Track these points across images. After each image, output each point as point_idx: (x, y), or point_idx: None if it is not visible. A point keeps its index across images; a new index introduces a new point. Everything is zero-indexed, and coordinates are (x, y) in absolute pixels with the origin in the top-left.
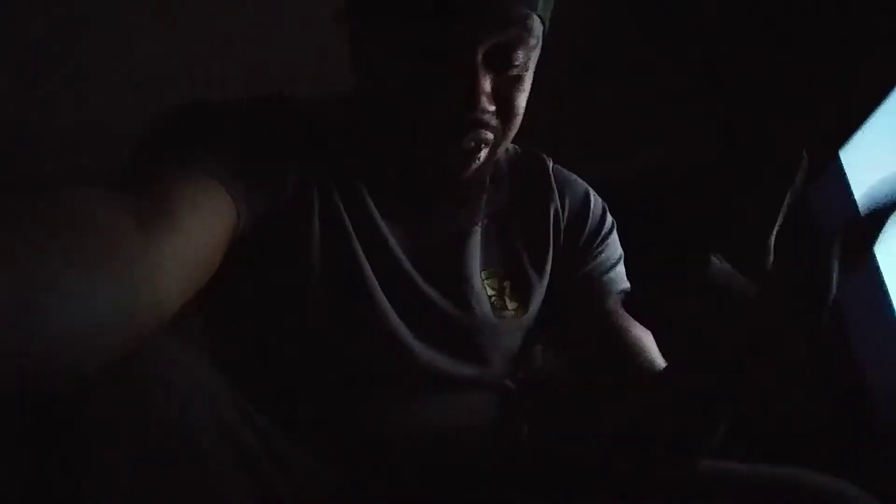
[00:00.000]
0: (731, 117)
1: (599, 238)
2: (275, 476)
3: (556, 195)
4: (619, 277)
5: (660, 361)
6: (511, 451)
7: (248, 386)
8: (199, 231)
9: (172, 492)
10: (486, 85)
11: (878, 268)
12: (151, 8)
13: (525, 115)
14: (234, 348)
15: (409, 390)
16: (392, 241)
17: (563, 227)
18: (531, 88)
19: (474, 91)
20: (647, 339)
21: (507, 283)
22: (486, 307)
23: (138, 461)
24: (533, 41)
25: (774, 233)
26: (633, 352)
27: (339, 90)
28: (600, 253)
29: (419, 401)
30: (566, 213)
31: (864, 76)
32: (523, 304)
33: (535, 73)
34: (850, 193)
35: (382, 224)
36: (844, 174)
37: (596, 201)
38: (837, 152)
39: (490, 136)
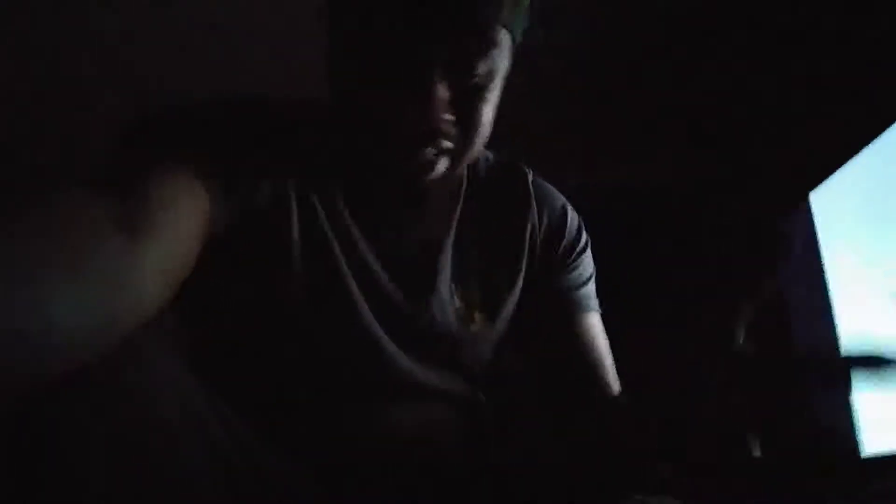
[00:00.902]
0: (709, 145)
1: (574, 253)
2: (247, 476)
3: (534, 209)
4: (590, 294)
5: (616, 382)
6: (479, 464)
7: (223, 387)
8: (177, 233)
9: (146, 490)
10: (443, 94)
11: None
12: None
13: (514, 122)
14: (210, 349)
15: (384, 398)
16: (365, 249)
17: (538, 241)
18: (534, 99)
19: (428, 101)
20: (607, 358)
21: (476, 295)
22: (453, 318)
23: (111, 459)
24: (496, 52)
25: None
26: (593, 370)
27: (318, 96)
28: (573, 269)
29: (393, 408)
30: (543, 226)
31: (846, 123)
32: (491, 316)
33: (529, 83)
34: (815, 235)
35: (356, 231)
36: (811, 215)
37: (573, 217)
38: (807, 193)
39: (448, 144)
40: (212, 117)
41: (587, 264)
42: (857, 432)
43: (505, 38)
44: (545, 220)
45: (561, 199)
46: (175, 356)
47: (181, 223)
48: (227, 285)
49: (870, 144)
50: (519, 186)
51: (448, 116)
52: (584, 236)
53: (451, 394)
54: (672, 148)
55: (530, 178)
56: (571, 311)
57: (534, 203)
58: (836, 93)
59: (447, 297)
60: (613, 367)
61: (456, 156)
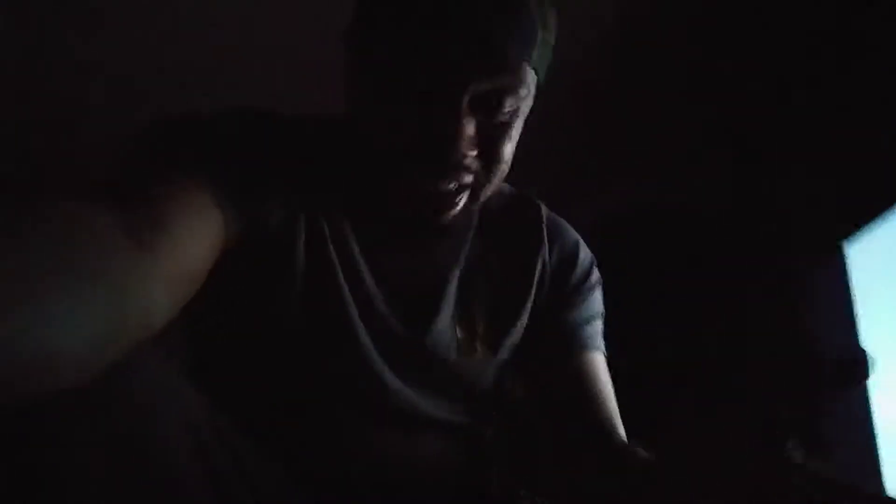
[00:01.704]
0: (741, 173)
1: (583, 289)
2: (240, 489)
3: (546, 244)
4: (595, 333)
5: (617, 420)
6: (474, 494)
7: (221, 401)
8: (188, 246)
9: (140, 498)
10: (470, 129)
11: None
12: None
13: (525, 151)
14: (212, 361)
15: (380, 423)
16: (368, 276)
17: (548, 277)
18: (537, 128)
19: (456, 134)
20: (609, 397)
21: (480, 327)
22: (454, 348)
23: (106, 466)
24: (524, 91)
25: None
26: (594, 408)
27: (332, 113)
28: (581, 303)
29: (388, 434)
30: (553, 263)
31: (885, 172)
32: (492, 348)
33: (541, 109)
34: (849, 285)
35: (361, 257)
36: (846, 266)
37: (585, 254)
38: (841, 243)
39: (469, 178)
40: (226, 129)
41: (595, 303)
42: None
43: (531, 77)
44: (556, 256)
45: (574, 235)
46: (173, 366)
47: (192, 235)
48: (229, 300)
49: None
50: (531, 222)
51: (472, 152)
52: (596, 274)
53: (448, 422)
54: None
55: (544, 213)
56: (575, 347)
57: (546, 239)
58: (879, 136)
59: (449, 327)
60: (614, 405)
61: (476, 191)
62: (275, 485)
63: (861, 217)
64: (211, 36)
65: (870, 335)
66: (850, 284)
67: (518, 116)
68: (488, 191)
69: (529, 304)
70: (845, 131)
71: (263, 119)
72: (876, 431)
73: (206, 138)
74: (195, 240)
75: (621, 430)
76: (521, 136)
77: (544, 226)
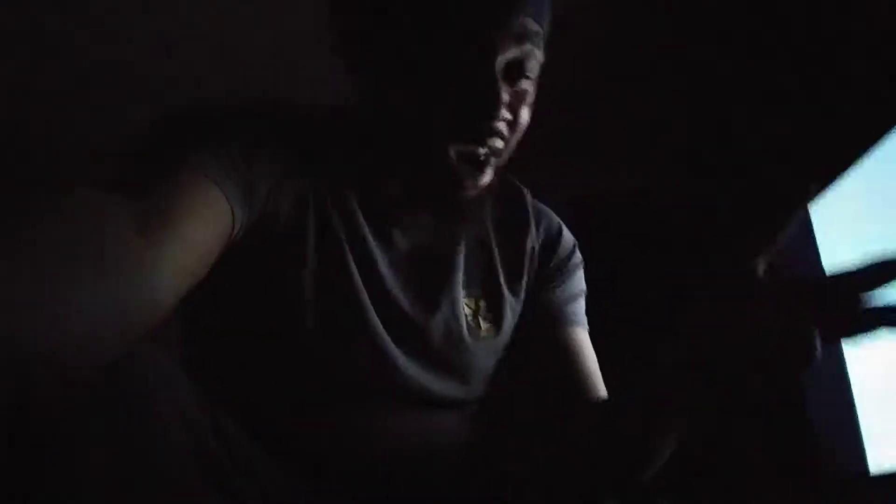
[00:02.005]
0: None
1: (566, 269)
2: (240, 483)
3: (532, 225)
4: (580, 309)
5: (603, 394)
6: (483, 472)
7: (223, 393)
8: (196, 237)
9: (137, 492)
10: (505, 95)
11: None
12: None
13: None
14: (213, 354)
15: (392, 405)
16: (380, 259)
17: (536, 254)
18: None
19: (496, 100)
20: (595, 370)
21: (482, 304)
22: (464, 327)
23: (108, 467)
24: (540, 55)
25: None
26: (582, 379)
27: (338, 103)
28: (564, 282)
29: (400, 416)
30: (540, 241)
31: (842, 134)
32: (496, 325)
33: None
34: (816, 249)
35: (372, 240)
36: (812, 230)
37: (567, 236)
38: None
39: (500, 144)
40: (233, 121)
41: (578, 281)
42: (862, 448)
43: (542, 42)
44: (542, 234)
45: (557, 219)
46: (172, 361)
47: (200, 227)
48: (236, 291)
49: (868, 154)
50: (518, 202)
51: (508, 116)
52: (578, 256)
53: (459, 402)
54: (666, 157)
55: (528, 198)
56: (560, 323)
57: (532, 218)
58: (835, 102)
59: (458, 306)
60: (600, 379)
61: (501, 157)
62: (279, 478)
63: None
64: (209, 28)
65: None
66: (818, 250)
67: (534, 82)
68: (507, 155)
69: (525, 284)
70: (807, 118)
71: (272, 109)
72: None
73: (213, 131)
74: (202, 233)
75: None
76: None
77: (530, 209)
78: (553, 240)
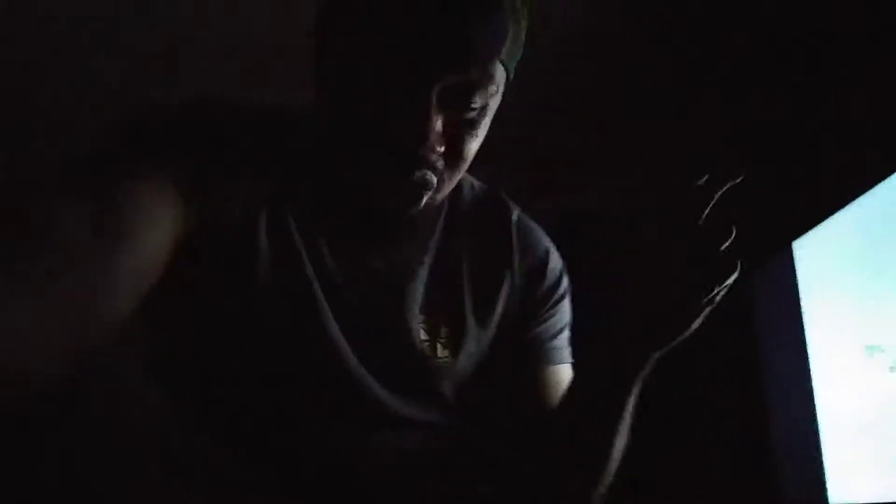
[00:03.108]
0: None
1: (552, 301)
2: (209, 492)
3: (515, 256)
4: (562, 345)
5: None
6: (444, 492)
7: (188, 402)
8: (152, 241)
9: (103, 495)
10: (438, 125)
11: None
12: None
13: (490, 142)
14: (173, 362)
15: (349, 419)
16: (335, 270)
17: (516, 288)
18: (507, 118)
19: (425, 130)
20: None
21: (443, 329)
22: (417, 352)
23: (72, 470)
24: (493, 88)
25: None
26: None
27: (300, 104)
28: (548, 319)
29: (357, 431)
30: (522, 274)
31: (837, 175)
32: (454, 352)
33: (510, 106)
34: (796, 283)
35: (327, 251)
36: (793, 263)
37: (555, 264)
38: (791, 242)
39: (433, 179)
40: (189, 122)
41: (562, 315)
42: (823, 480)
43: (501, 74)
44: (525, 267)
45: (545, 241)
46: (138, 368)
47: (155, 230)
48: (193, 294)
49: (858, 198)
50: (501, 225)
51: (439, 149)
52: (564, 285)
53: (417, 421)
54: (652, 181)
55: (514, 217)
56: (541, 362)
57: (515, 247)
58: (830, 141)
59: (412, 327)
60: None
61: (438, 186)
62: (247, 485)
63: (810, 217)
64: (183, 25)
65: (814, 333)
66: (797, 284)
67: (486, 114)
68: (449, 186)
69: (498, 311)
70: (796, 132)
71: (227, 110)
72: (819, 428)
73: (169, 133)
74: (158, 235)
75: None
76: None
77: (514, 234)
78: (537, 270)
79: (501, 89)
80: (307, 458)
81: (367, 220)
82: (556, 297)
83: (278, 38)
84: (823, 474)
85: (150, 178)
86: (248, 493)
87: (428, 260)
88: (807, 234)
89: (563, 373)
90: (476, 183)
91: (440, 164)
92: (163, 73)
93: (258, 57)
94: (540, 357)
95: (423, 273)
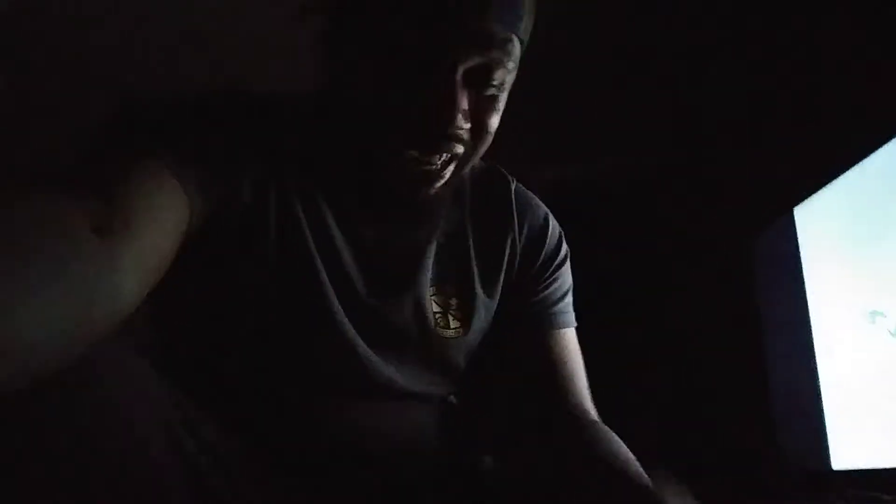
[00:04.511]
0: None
1: (553, 267)
2: (215, 480)
3: (515, 221)
4: (566, 309)
5: (585, 395)
6: (450, 465)
7: (193, 388)
8: (155, 233)
9: (111, 493)
10: (464, 102)
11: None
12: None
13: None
14: (181, 349)
15: (356, 396)
16: (344, 250)
17: (518, 252)
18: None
19: (452, 108)
20: (579, 375)
21: (453, 301)
22: (430, 323)
23: (79, 468)
24: (511, 64)
25: None
26: (563, 387)
27: (303, 89)
28: (551, 283)
29: (367, 409)
30: (523, 238)
31: (837, 140)
32: (466, 323)
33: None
34: (797, 249)
35: (337, 231)
36: (794, 230)
37: (554, 229)
38: (792, 207)
39: (461, 149)
40: (192, 112)
41: (565, 278)
42: (825, 446)
43: (518, 49)
44: (525, 231)
45: (543, 209)
46: (143, 357)
47: (159, 223)
48: (199, 283)
49: (859, 163)
50: (501, 196)
51: (466, 124)
52: (564, 248)
53: (427, 396)
54: (654, 149)
55: (513, 187)
56: (545, 326)
57: (515, 213)
58: (830, 106)
59: (425, 300)
60: (585, 383)
61: (462, 162)
62: (253, 473)
63: (811, 183)
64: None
65: (815, 299)
66: (798, 250)
67: (505, 89)
68: (473, 161)
69: (501, 279)
70: (795, 98)
71: (231, 98)
72: (821, 394)
73: (171, 122)
74: (161, 225)
75: (592, 409)
76: None
77: (513, 201)
78: (538, 235)
79: (517, 63)
80: (311, 436)
81: (378, 199)
82: (557, 261)
83: (278, 31)
84: (826, 440)
85: (152, 172)
86: (256, 475)
87: (436, 235)
88: (807, 199)
89: (568, 336)
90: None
91: (467, 136)
92: (163, 72)
93: (258, 54)
94: (544, 322)
95: (432, 248)
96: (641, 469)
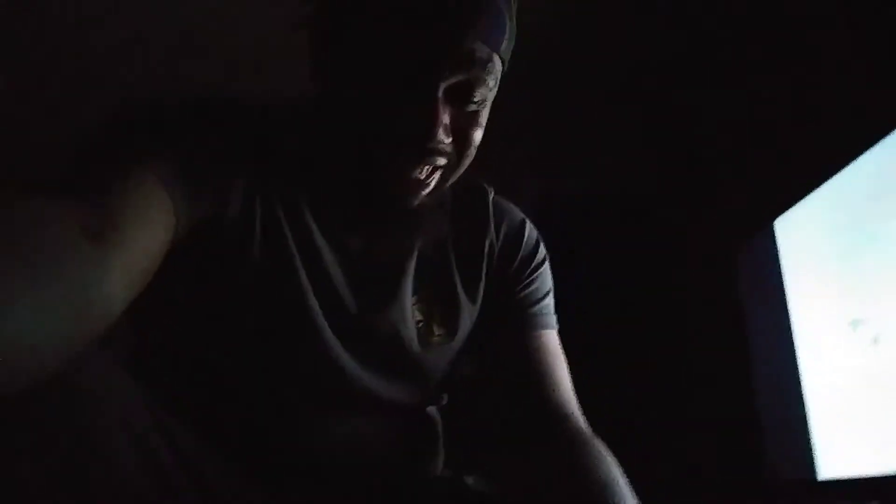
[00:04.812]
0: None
1: (530, 268)
2: (185, 486)
3: (492, 224)
4: (546, 311)
5: (570, 401)
6: (427, 476)
7: (172, 397)
8: (144, 241)
9: (79, 496)
10: (445, 118)
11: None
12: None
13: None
14: (162, 358)
15: (337, 407)
16: (328, 259)
17: (496, 254)
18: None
19: (433, 123)
20: (561, 376)
21: (436, 310)
22: (413, 333)
23: (47, 467)
24: (492, 81)
25: None
26: (545, 389)
27: (292, 98)
28: (529, 283)
29: (344, 418)
30: (500, 242)
31: (815, 151)
32: (451, 331)
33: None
34: (778, 261)
35: (321, 241)
36: (775, 242)
37: (531, 232)
38: (772, 220)
39: (444, 161)
40: (181, 119)
41: (543, 280)
42: (812, 455)
43: (499, 67)
44: (502, 235)
45: (520, 215)
46: (115, 361)
47: (148, 229)
48: (183, 291)
49: (837, 174)
50: (479, 205)
51: (447, 139)
52: (542, 251)
53: (405, 406)
54: (636, 161)
55: (490, 196)
56: (526, 328)
57: (492, 219)
58: (807, 118)
59: (408, 310)
60: (569, 384)
61: (447, 174)
62: (227, 481)
63: (790, 195)
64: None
65: (798, 312)
66: (779, 262)
67: (487, 105)
68: (458, 173)
69: (482, 285)
70: (772, 110)
71: (222, 107)
72: (806, 403)
73: (161, 130)
74: (149, 232)
75: (575, 410)
76: None
77: (490, 208)
78: (514, 238)
79: (498, 81)
80: (290, 447)
81: (361, 210)
82: (534, 262)
83: (273, 35)
84: (812, 449)
85: (141, 178)
86: (232, 485)
87: (417, 245)
88: (787, 211)
89: (550, 338)
90: None
91: (449, 149)
92: (163, 72)
93: (257, 55)
94: (525, 323)
95: (413, 260)
96: (620, 489)
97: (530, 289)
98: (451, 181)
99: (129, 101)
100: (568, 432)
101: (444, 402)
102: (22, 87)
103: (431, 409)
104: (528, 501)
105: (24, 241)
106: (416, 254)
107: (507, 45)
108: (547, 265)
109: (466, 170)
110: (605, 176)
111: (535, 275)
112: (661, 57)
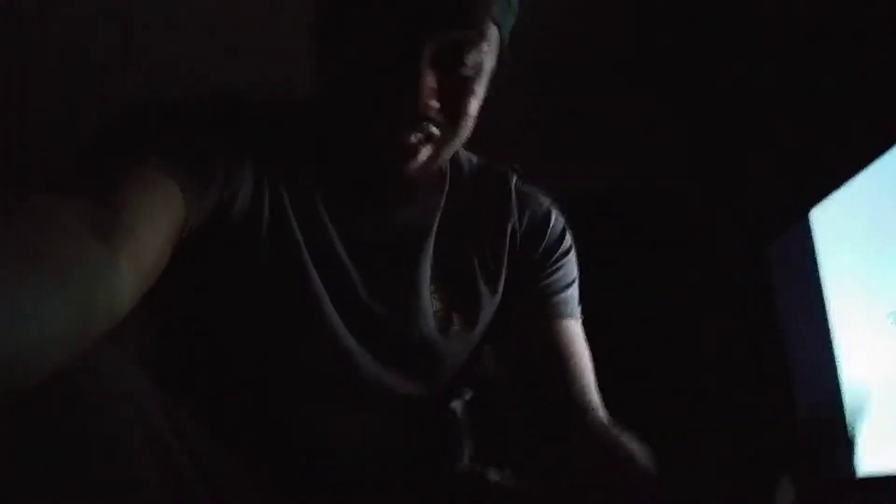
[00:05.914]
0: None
1: (555, 256)
2: (201, 485)
3: (515, 212)
4: (571, 300)
5: (592, 392)
6: (444, 470)
7: (185, 394)
8: (152, 236)
9: (93, 494)
10: (431, 81)
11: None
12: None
13: (497, 123)
14: (174, 354)
15: (350, 401)
16: (340, 250)
17: (518, 243)
18: (510, 97)
19: (417, 85)
20: (584, 366)
21: (456, 298)
22: (431, 322)
23: (61, 464)
24: (486, 46)
25: None
26: (568, 378)
27: (296, 94)
28: (554, 272)
29: (358, 412)
30: (523, 228)
31: (851, 139)
32: (470, 320)
33: (512, 82)
34: (814, 254)
35: (333, 231)
36: (811, 233)
37: (557, 220)
38: (808, 210)
39: (435, 130)
40: (189, 116)
41: (569, 269)
42: (853, 450)
43: (494, 34)
44: (526, 222)
45: (546, 201)
46: (130, 362)
47: (156, 226)
48: (193, 286)
49: (874, 162)
50: (500, 191)
51: (434, 103)
52: (568, 240)
53: (421, 400)
54: (665, 151)
55: (514, 181)
56: (549, 316)
57: (514, 205)
58: (843, 105)
59: (426, 297)
60: (592, 375)
61: (440, 144)
62: (241, 479)
63: (826, 185)
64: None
65: (835, 303)
66: (815, 252)
67: (482, 73)
68: (453, 146)
69: (504, 272)
70: (808, 98)
71: (228, 102)
72: (844, 398)
73: (169, 126)
74: (157, 228)
75: (597, 402)
76: (486, 116)
77: (513, 195)
78: (539, 225)
79: (496, 50)
80: (302, 442)
81: (369, 192)
82: (559, 251)
83: (278, 33)
84: (852, 446)
85: (149, 174)
86: (245, 484)
87: (434, 232)
88: (823, 201)
89: (573, 327)
90: (474, 158)
91: (439, 118)
92: (163, 72)
93: (259, 55)
94: (547, 311)
95: (430, 245)
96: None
97: (554, 277)
98: (446, 153)
99: (136, 100)
100: (590, 422)
101: (468, 396)
102: (22, 86)
103: (455, 404)
104: (549, 490)
105: (31, 241)
106: (431, 241)
107: (500, 10)
108: (573, 254)
109: (499, 158)
110: (632, 168)
111: (560, 263)
112: (690, 43)
